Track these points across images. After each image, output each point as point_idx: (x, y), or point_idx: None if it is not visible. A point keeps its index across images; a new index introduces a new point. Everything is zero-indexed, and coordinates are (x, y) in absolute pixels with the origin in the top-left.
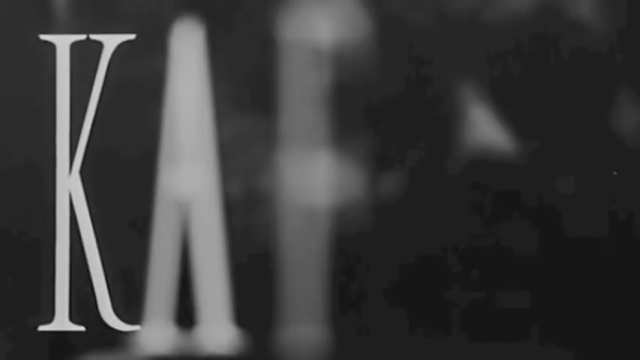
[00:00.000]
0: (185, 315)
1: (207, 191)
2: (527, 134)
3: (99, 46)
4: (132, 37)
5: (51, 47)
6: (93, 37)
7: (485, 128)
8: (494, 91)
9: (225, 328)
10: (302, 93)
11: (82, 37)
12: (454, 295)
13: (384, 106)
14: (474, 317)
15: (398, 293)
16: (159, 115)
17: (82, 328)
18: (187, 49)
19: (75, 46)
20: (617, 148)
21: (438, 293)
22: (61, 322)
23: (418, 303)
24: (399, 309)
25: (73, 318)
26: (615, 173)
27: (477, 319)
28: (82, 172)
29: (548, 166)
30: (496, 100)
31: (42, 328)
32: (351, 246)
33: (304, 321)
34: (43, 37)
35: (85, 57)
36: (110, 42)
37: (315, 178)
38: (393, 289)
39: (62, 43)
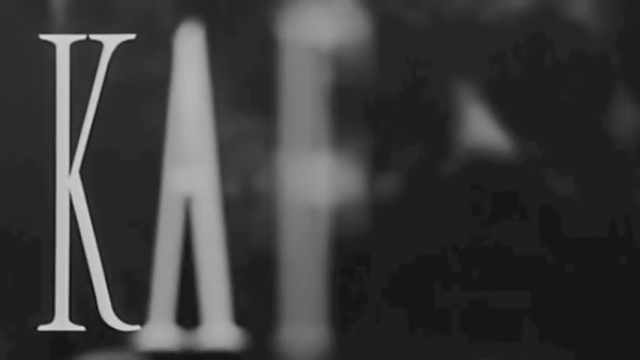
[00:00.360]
0: (185, 315)
1: (207, 191)
2: (526, 135)
3: (99, 46)
4: (132, 37)
5: (51, 47)
6: (93, 37)
7: (483, 129)
8: (493, 92)
9: (225, 328)
10: (302, 94)
11: (82, 37)
12: (454, 295)
13: (384, 107)
14: (473, 317)
15: (398, 293)
16: (159, 115)
17: (82, 328)
18: (188, 49)
19: (75, 46)
20: (616, 149)
21: (437, 293)
22: (61, 322)
23: (418, 303)
24: (399, 309)
25: (73, 318)
26: None
27: (476, 319)
28: (82, 172)
29: (547, 167)
30: (495, 101)
31: (42, 328)
32: (351, 246)
33: (304, 321)
34: (43, 36)
35: (85, 57)
36: (110, 42)
37: (315, 179)
38: (393, 289)
39: (62, 43)
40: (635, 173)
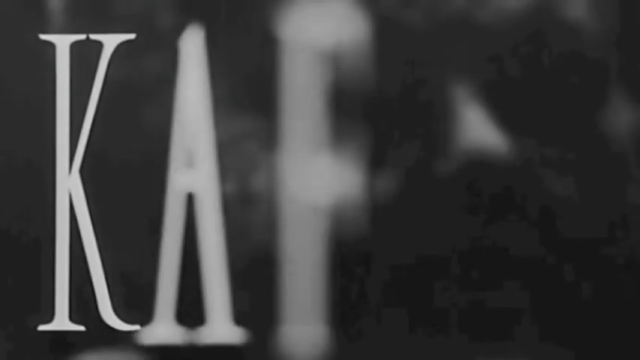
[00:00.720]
0: (186, 314)
1: (207, 192)
2: (524, 136)
3: (99, 46)
4: (132, 36)
5: (51, 47)
6: (93, 36)
7: (482, 130)
8: (491, 92)
9: (226, 328)
10: (302, 94)
11: (82, 36)
12: (454, 295)
13: (384, 107)
14: (473, 317)
15: (398, 293)
16: (159, 115)
17: (81, 328)
18: (188, 49)
19: (75, 46)
20: (614, 150)
21: (437, 293)
22: (61, 321)
23: (418, 303)
24: (399, 309)
25: (73, 318)
26: None
27: (476, 319)
28: (82, 172)
29: (545, 167)
30: (493, 101)
31: (42, 327)
32: (351, 246)
33: (304, 321)
34: (43, 37)
35: (85, 57)
36: (110, 42)
37: (315, 179)
38: (393, 290)
39: (62, 43)
40: (633, 173)
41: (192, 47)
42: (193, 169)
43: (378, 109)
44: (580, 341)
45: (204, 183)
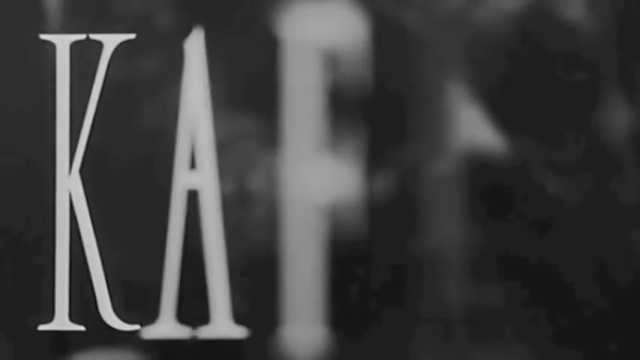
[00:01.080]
0: (186, 314)
1: (207, 191)
2: (521, 136)
3: (99, 45)
4: (132, 36)
5: (51, 47)
6: (93, 36)
7: (481, 130)
8: (491, 93)
9: (227, 327)
10: (302, 94)
11: (82, 36)
12: (454, 294)
13: (383, 107)
14: (474, 317)
15: (398, 293)
16: (159, 115)
17: (81, 328)
18: (188, 49)
19: (75, 46)
20: (610, 152)
21: (438, 293)
22: (61, 321)
23: (418, 303)
24: (398, 309)
25: (73, 318)
26: None
27: (476, 319)
28: (82, 172)
29: (542, 167)
30: (492, 102)
31: (42, 327)
32: (352, 247)
33: (304, 321)
34: (43, 36)
35: (85, 57)
36: (110, 42)
37: (317, 179)
38: (393, 290)
39: (62, 42)
40: (630, 174)
41: (193, 47)
42: (193, 169)
43: (377, 108)
44: (580, 341)
45: (204, 183)
